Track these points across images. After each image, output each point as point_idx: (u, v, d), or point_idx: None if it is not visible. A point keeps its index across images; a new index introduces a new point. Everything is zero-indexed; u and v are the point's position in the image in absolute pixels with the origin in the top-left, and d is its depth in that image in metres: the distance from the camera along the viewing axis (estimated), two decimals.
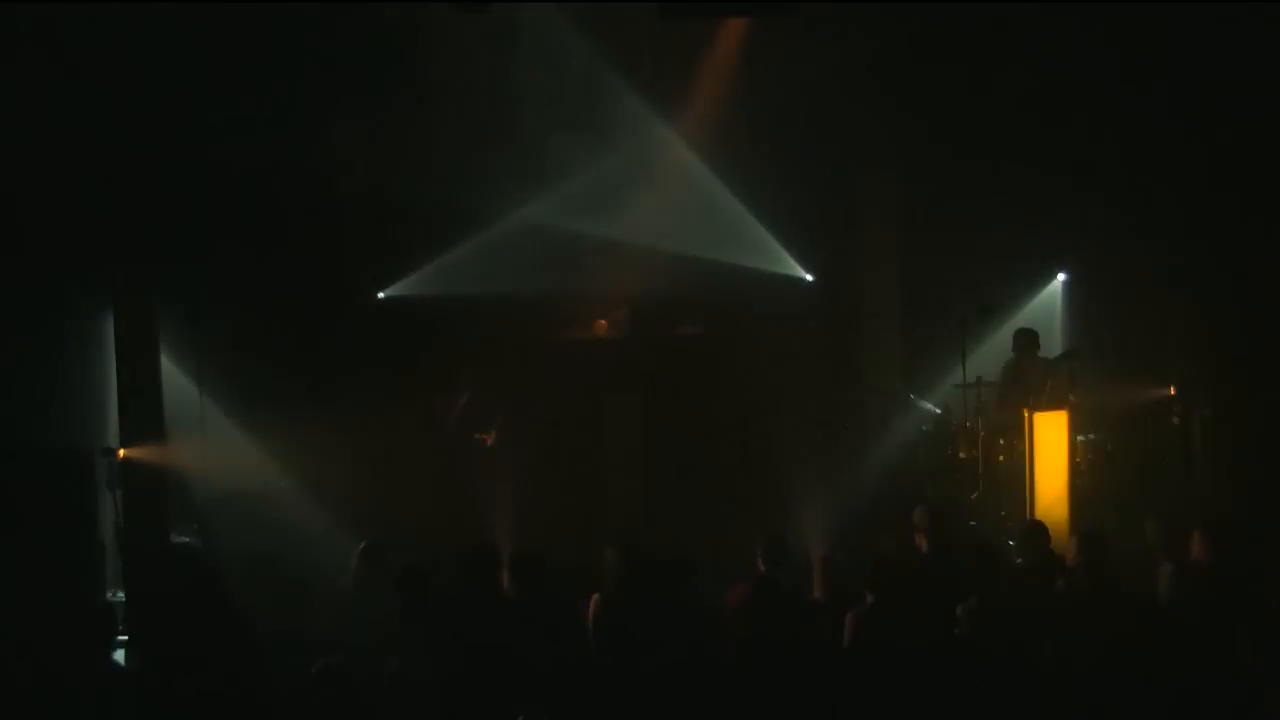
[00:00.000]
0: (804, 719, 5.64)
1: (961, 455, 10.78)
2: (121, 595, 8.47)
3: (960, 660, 5.91)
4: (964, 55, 11.15)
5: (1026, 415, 10.03)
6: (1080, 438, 10.51)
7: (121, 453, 8.60)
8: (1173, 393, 11.11)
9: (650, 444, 10.98)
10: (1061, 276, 12.15)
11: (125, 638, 7.16)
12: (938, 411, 11.16)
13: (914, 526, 7.92)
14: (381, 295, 11.63)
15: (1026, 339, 10.80)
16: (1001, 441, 10.50)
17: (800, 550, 8.44)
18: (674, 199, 11.49)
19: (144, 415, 8.73)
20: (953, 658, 5.93)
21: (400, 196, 11.09)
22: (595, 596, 6.98)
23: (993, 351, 11.21)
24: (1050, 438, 9.97)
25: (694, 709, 5.62)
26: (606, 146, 11.26)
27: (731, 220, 11.65)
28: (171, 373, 9.68)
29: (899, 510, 9.72)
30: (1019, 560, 7.77)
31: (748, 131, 11.36)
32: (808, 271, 12.02)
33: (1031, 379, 10.62)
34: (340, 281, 11.25)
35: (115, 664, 6.54)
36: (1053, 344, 11.31)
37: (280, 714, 5.83)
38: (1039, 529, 7.72)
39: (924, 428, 11.31)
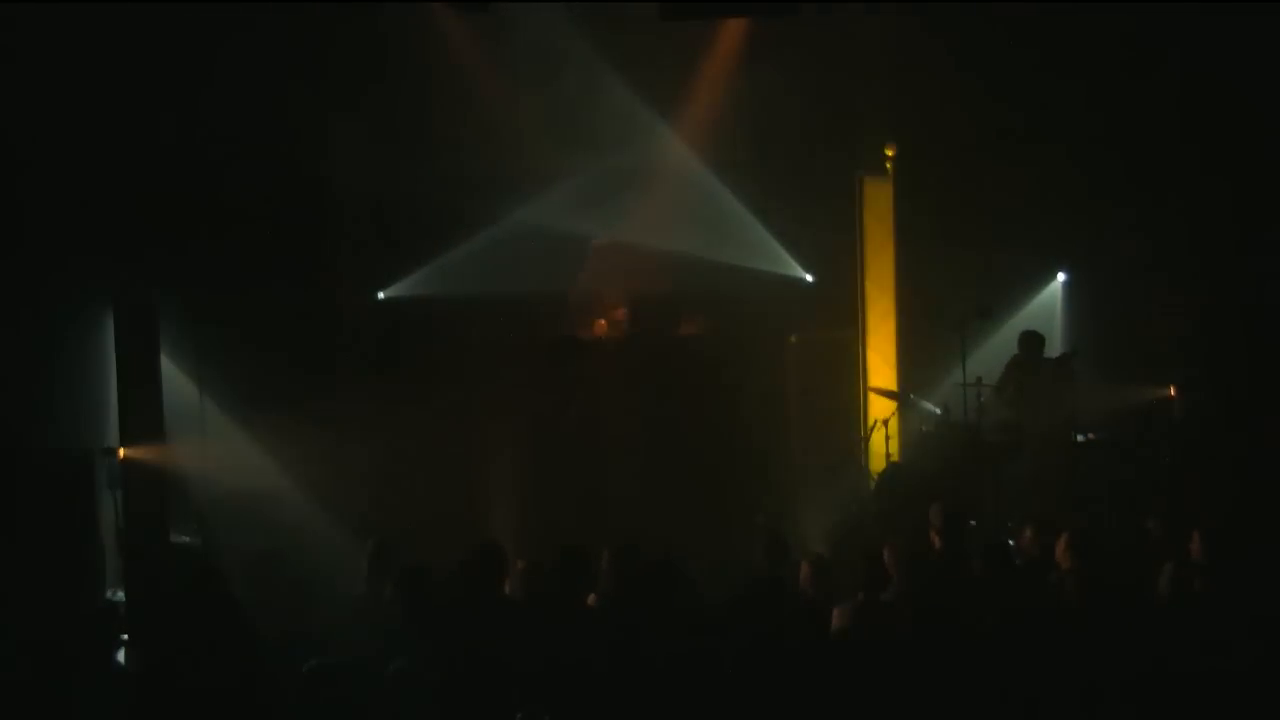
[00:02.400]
0: (802, 717, 5.64)
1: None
2: (121, 595, 8.47)
3: (960, 659, 5.91)
4: (964, 54, 11.16)
5: None
6: (1080, 438, 10.53)
7: (121, 453, 8.60)
8: (1173, 393, 11.11)
9: (650, 444, 10.96)
10: (1061, 276, 12.16)
11: (125, 638, 7.16)
12: (938, 411, 11.16)
13: (929, 524, 7.94)
14: (381, 295, 11.62)
15: (1033, 341, 10.81)
16: None
17: (801, 550, 8.47)
18: (674, 199, 11.48)
19: (144, 415, 8.73)
20: (953, 657, 5.92)
21: (400, 196, 11.09)
22: (591, 597, 6.99)
23: (993, 351, 11.20)
24: None
25: (693, 708, 5.62)
26: (606, 146, 11.26)
27: (731, 220, 11.64)
28: (171, 373, 9.67)
29: (900, 511, 9.75)
30: (1018, 561, 7.77)
31: (748, 132, 11.37)
32: (808, 271, 12.02)
33: (1034, 379, 10.62)
34: (340, 281, 11.24)
35: (116, 664, 6.54)
36: (1053, 344, 11.30)
37: (278, 714, 5.83)
38: (1049, 526, 7.71)
39: (924, 428, 11.31)
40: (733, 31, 11.61)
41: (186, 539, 9.03)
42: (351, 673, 5.85)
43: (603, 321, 11.34)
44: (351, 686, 5.66)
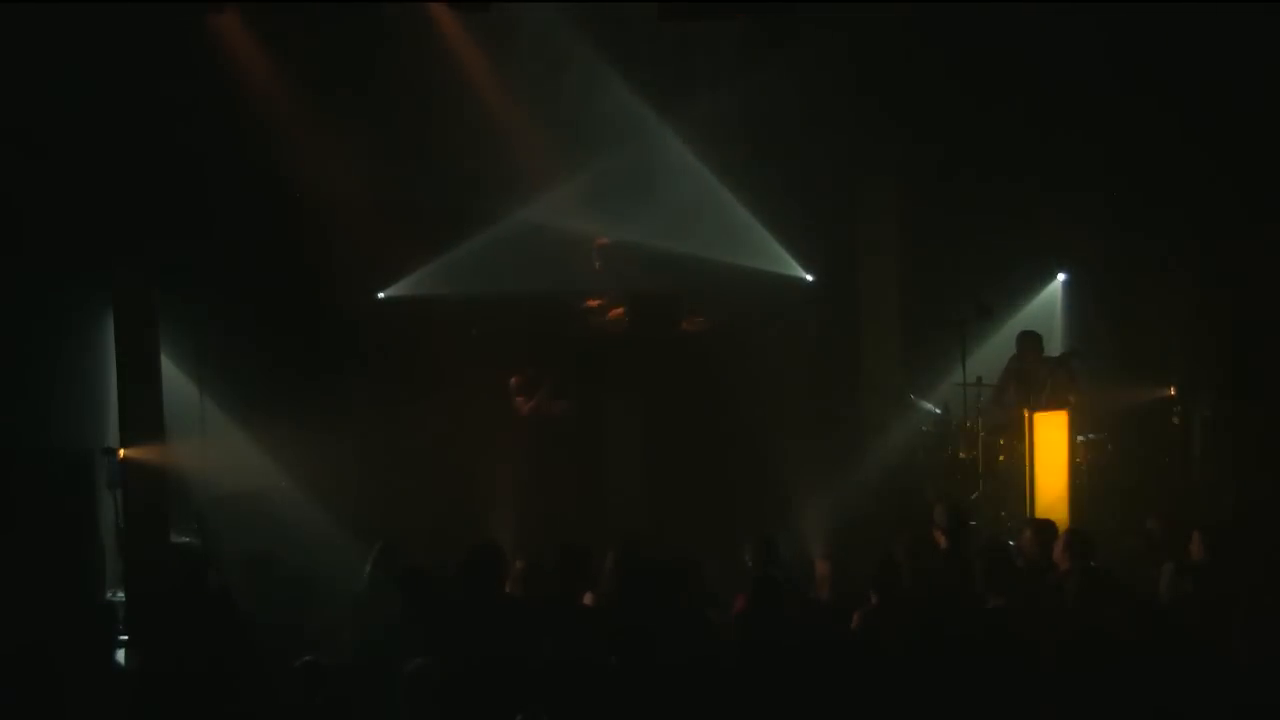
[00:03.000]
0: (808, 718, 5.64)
1: (961, 455, 10.79)
2: (121, 595, 8.47)
3: (964, 660, 5.91)
4: (963, 55, 11.16)
5: (1026, 415, 10.05)
6: (1080, 438, 10.53)
7: (121, 453, 8.60)
8: (1173, 393, 11.11)
9: (650, 442, 10.98)
10: (1061, 276, 12.16)
11: (125, 638, 7.17)
12: (938, 411, 11.15)
13: (933, 524, 7.97)
14: (381, 295, 11.62)
15: (1030, 341, 10.82)
16: (1001, 441, 10.52)
17: (800, 550, 8.48)
18: (674, 199, 11.48)
19: (144, 415, 8.73)
20: (956, 658, 5.92)
21: (400, 196, 11.08)
22: (589, 596, 6.99)
23: (993, 351, 11.21)
24: (1050, 438, 9.99)
25: (695, 709, 5.62)
26: (607, 146, 11.26)
27: (731, 220, 11.64)
28: (171, 373, 9.68)
29: (900, 510, 9.76)
30: (1019, 562, 7.77)
31: (747, 132, 11.35)
32: (808, 271, 12.01)
33: (1034, 379, 10.64)
34: (340, 281, 11.23)
35: (116, 664, 6.54)
36: (1053, 344, 11.31)
37: (276, 712, 5.83)
38: (1048, 526, 7.74)
39: (924, 428, 11.31)
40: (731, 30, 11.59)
41: (186, 539, 9.03)
42: (345, 670, 5.86)
43: (603, 320, 11.35)
44: (344, 683, 5.66)
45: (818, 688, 5.65)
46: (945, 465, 10.94)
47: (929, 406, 11.20)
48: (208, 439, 10.06)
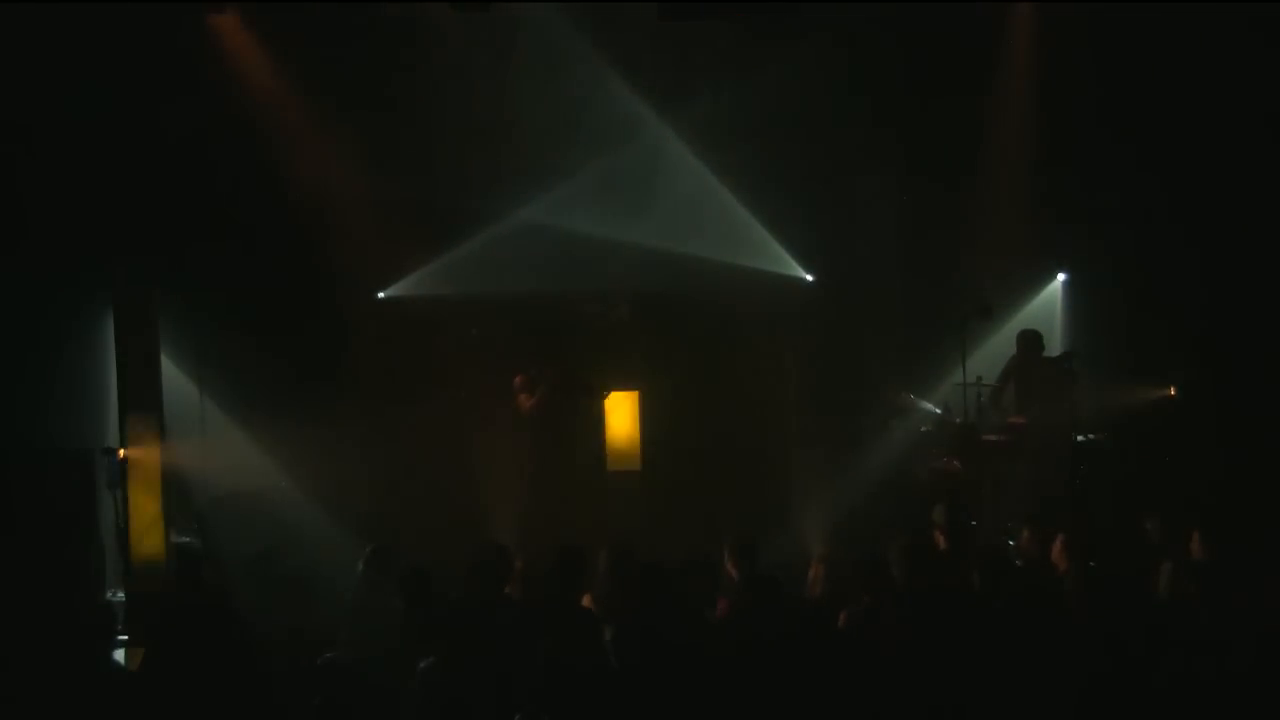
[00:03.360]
0: (804, 718, 5.64)
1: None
2: (121, 595, 8.48)
3: (960, 660, 5.91)
4: (963, 55, 11.16)
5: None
6: (1080, 437, 10.53)
7: (121, 453, 8.61)
8: (1173, 393, 11.11)
9: (650, 442, 10.99)
10: (1061, 276, 12.16)
11: (125, 638, 7.17)
12: (938, 411, 11.15)
13: (932, 524, 7.96)
14: (381, 295, 11.63)
15: (1031, 340, 10.82)
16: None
17: (800, 550, 8.48)
18: (674, 199, 11.49)
19: (144, 415, 8.74)
20: (952, 658, 5.93)
21: (400, 196, 11.10)
22: (586, 596, 7.00)
23: (993, 351, 11.20)
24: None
25: (693, 709, 5.62)
26: (607, 146, 11.26)
27: (731, 220, 11.64)
28: (171, 373, 9.68)
29: (899, 510, 9.75)
30: (1018, 562, 7.78)
31: (747, 131, 11.36)
32: (808, 272, 12.02)
33: (1034, 379, 10.63)
34: (340, 281, 11.24)
35: (115, 664, 6.55)
36: (1053, 344, 11.31)
37: (279, 713, 5.84)
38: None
39: (924, 428, 11.31)
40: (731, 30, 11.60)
41: (186, 539, 9.04)
42: (344, 670, 5.87)
43: (603, 320, 11.37)
44: (344, 684, 5.67)
45: (812, 687, 5.66)
46: (944, 466, 10.92)
47: (929, 406, 11.20)
48: (208, 439, 10.07)
